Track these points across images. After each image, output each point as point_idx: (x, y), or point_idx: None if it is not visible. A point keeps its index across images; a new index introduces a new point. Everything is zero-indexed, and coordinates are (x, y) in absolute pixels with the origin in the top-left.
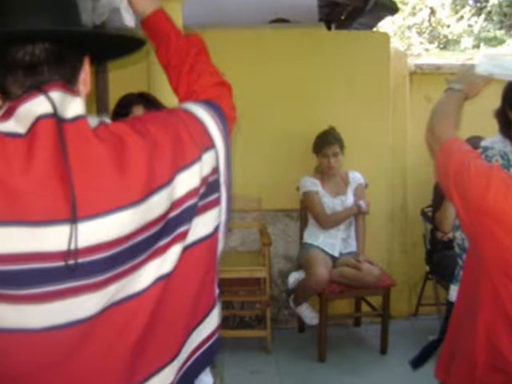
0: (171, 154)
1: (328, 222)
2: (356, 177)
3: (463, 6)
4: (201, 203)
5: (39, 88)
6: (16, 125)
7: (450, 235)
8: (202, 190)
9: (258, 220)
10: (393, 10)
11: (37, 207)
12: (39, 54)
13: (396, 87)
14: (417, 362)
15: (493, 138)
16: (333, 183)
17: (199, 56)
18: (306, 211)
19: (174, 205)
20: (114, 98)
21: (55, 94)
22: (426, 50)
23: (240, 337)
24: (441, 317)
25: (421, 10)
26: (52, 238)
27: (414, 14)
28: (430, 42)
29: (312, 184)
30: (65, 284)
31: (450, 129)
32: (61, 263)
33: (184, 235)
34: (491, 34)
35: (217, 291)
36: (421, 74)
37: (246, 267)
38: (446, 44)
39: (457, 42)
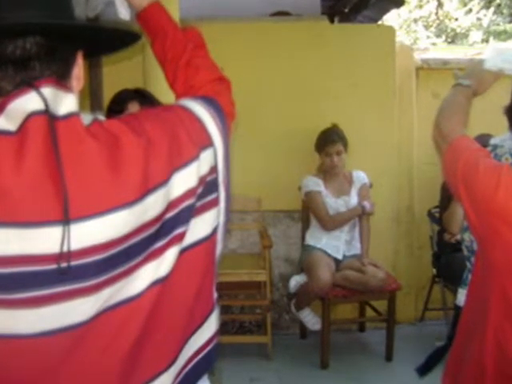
0: (167, 152)
1: (331, 224)
2: (360, 176)
3: None
4: (199, 204)
5: (30, 84)
6: (6, 122)
7: (458, 237)
8: (199, 190)
9: (258, 221)
10: (398, 2)
11: (27, 208)
12: (30, 49)
13: (402, 83)
14: (423, 369)
15: (502, 135)
16: (336, 183)
17: (197, 50)
18: (308, 212)
19: (171, 205)
20: (108, 94)
21: (47, 90)
22: (433, 44)
23: (239, 342)
24: (448, 322)
25: (428, 2)
26: (43, 240)
27: (420, 7)
28: (438, 36)
29: (314, 184)
30: (57, 288)
31: (458, 126)
32: (53, 266)
33: (181, 237)
34: (501, 28)
35: (215, 295)
36: (428, 69)
37: (245, 270)
38: (454, 38)
39: (465, 35)
